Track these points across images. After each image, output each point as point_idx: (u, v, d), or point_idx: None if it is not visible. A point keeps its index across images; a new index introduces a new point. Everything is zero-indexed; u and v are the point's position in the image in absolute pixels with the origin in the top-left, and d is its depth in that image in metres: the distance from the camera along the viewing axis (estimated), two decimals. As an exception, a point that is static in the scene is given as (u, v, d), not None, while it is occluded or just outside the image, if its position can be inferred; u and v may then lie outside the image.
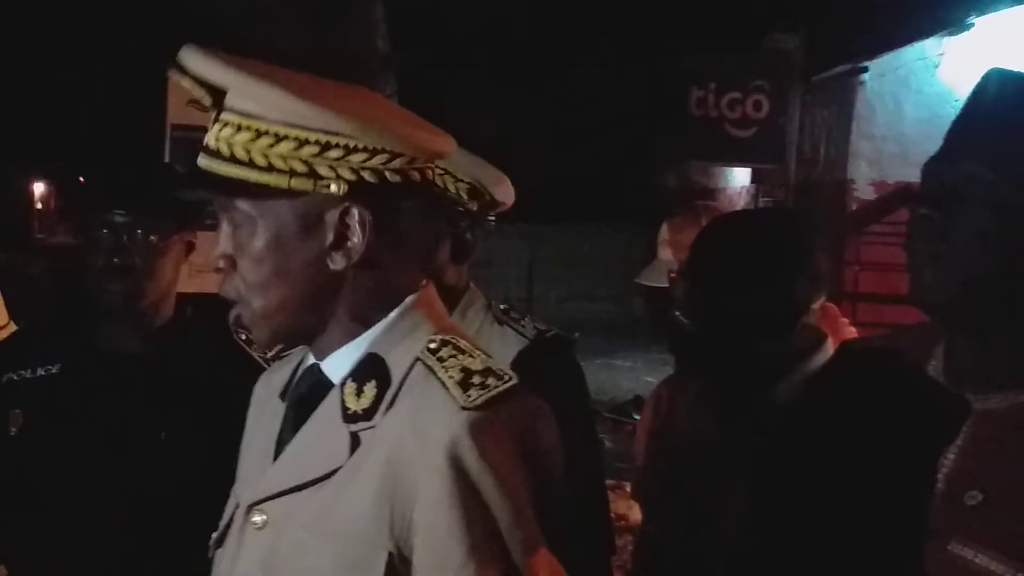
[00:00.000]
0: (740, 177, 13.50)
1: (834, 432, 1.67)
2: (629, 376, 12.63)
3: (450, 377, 1.28)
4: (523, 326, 2.14)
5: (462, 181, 2.07)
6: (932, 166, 1.57)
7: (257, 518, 1.36)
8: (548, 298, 17.49)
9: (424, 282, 1.41)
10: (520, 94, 18.09)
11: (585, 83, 17.79)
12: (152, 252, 2.11)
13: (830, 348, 1.85)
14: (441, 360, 1.31)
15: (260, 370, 1.65)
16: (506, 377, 1.29)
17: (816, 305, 1.83)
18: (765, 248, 1.82)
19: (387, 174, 1.30)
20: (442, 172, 2.04)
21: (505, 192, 2.16)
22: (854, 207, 9.75)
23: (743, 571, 1.73)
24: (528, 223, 17.72)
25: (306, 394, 1.40)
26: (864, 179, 9.77)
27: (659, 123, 11.92)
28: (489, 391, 1.25)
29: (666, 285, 3.90)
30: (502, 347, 2.06)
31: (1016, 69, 1.61)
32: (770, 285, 1.79)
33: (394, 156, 1.30)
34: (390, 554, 1.24)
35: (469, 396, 1.25)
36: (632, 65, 16.01)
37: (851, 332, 3.15)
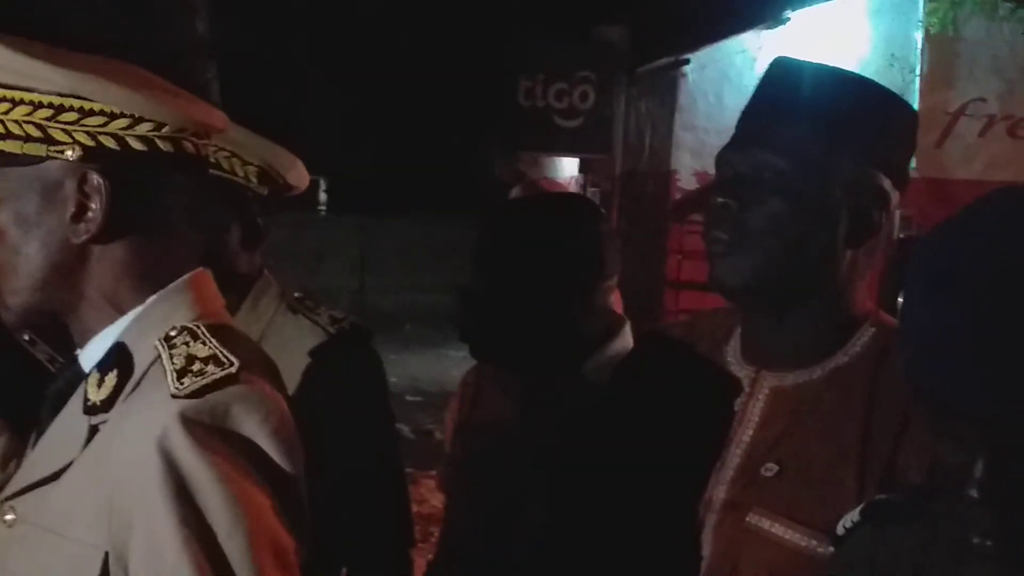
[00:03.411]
0: (568, 167, 13.70)
1: (631, 416, 1.68)
2: (461, 367, 12.58)
3: (173, 365, 1.21)
4: (318, 315, 2.07)
5: (251, 164, 1.99)
6: (726, 155, 1.60)
7: (8, 516, 1.27)
8: (381, 289, 17.38)
9: (199, 268, 1.33)
10: (350, 83, 17.94)
11: (416, 73, 17.75)
12: None
13: (628, 333, 1.86)
14: (173, 347, 1.23)
15: (43, 370, 1.55)
16: (226, 364, 1.21)
17: (607, 287, 1.85)
18: (551, 232, 1.82)
19: (129, 140, 1.22)
20: (229, 154, 1.96)
21: (298, 176, 2.09)
22: (678, 197, 10.01)
23: (545, 561, 1.73)
24: (359, 214, 17.60)
25: (63, 385, 1.32)
26: (687, 169, 10.03)
27: (489, 114, 11.99)
28: (204, 378, 1.19)
29: None
30: (296, 336, 2.00)
31: (803, 58, 1.64)
32: (557, 269, 1.79)
33: (138, 121, 1.22)
34: (107, 555, 1.17)
35: (182, 384, 1.18)
36: (462, 55, 16.07)
37: None
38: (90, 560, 1.17)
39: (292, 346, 1.95)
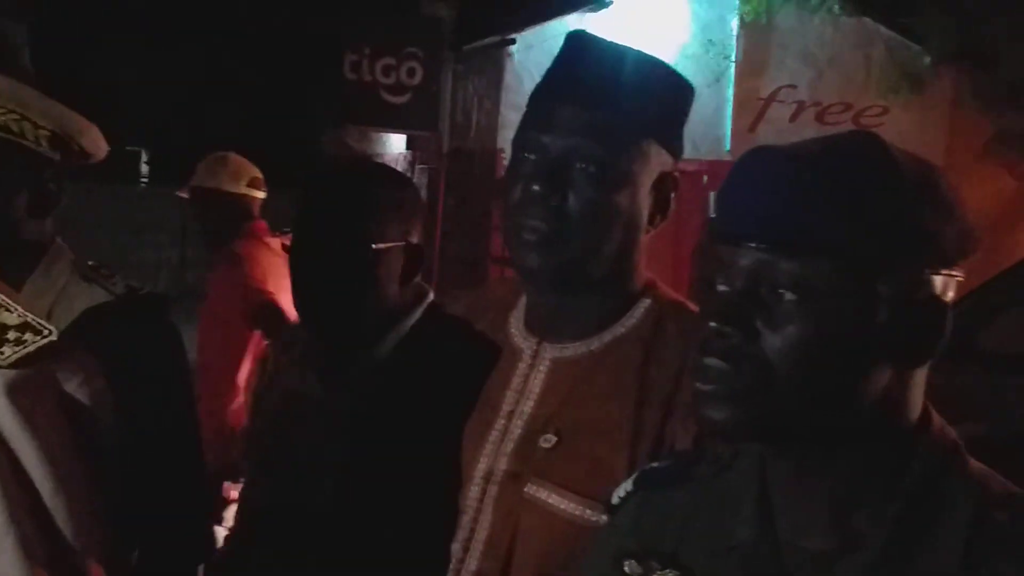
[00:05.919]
0: (396, 143, 13.66)
1: (413, 387, 1.72)
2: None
3: None
4: (113, 284, 2.03)
5: (42, 128, 1.92)
6: (536, 138, 1.57)
7: None
8: (202, 262, 17.01)
9: None
10: (173, 53, 17.44)
11: (241, 44, 17.38)
12: None
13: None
14: None
15: None
16: (44, 332, 1.22)
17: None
18: (357, 198, 1.82)
19: None
20: (19, 117, 1.88)
21: (93, 142, 2.04)
22: (502, 175, 10.11)
23: (339, 533, 1.73)
24: (180, 187, 17.12)
25: None
26: (513, 148, 10.13)
27: (314, 87, 11.82)
28: (25, 347, 1.19)
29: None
30: (89, 305, 1.94)
31: (607, 36, 1.64)
32: (364, 235, 1.79)
33: None
34: None
35: (3, 354, 1.18)
36: (288, 27, 15.81)
37: None
38: None
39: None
